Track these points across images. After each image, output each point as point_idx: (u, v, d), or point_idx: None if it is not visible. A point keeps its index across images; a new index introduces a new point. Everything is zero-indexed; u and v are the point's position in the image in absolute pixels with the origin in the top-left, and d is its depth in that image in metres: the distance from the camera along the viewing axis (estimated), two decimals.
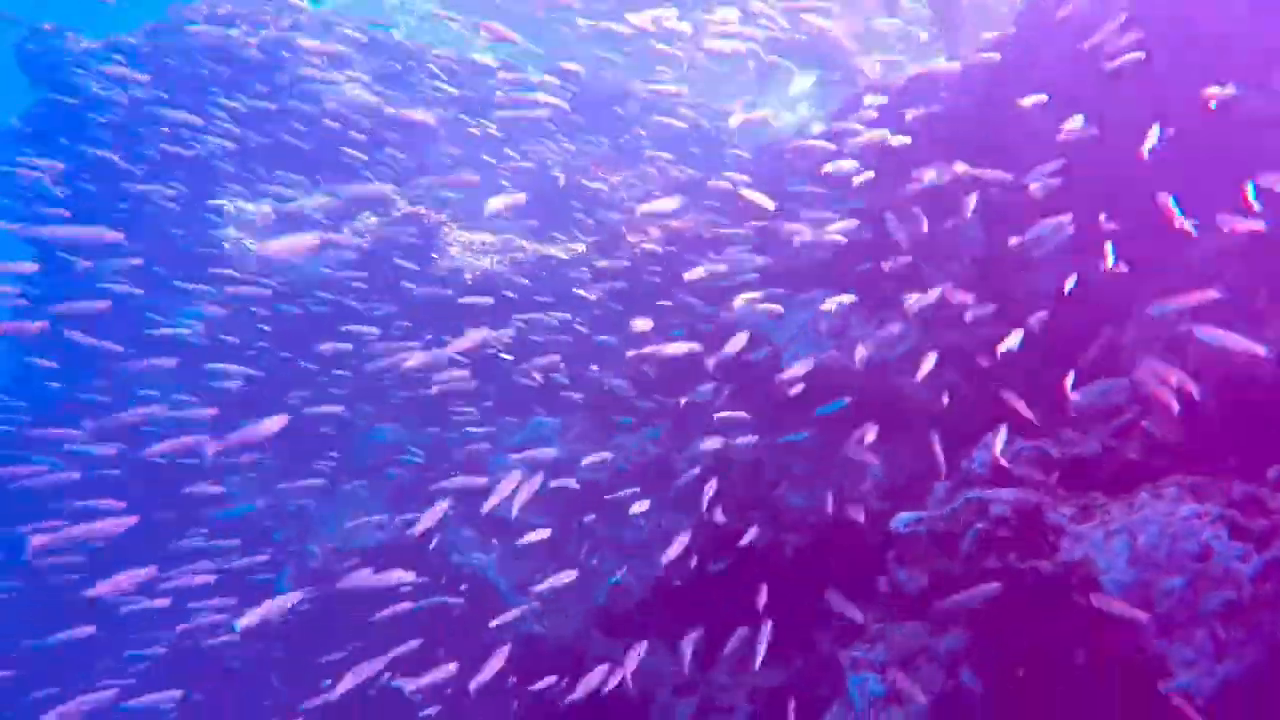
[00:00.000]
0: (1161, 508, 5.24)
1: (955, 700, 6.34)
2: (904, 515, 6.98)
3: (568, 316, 12.64)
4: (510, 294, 13.37)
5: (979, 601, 5.72)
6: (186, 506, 11.90)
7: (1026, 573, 5.63)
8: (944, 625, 6.28)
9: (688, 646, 8.54)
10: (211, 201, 14.22)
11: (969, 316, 7.97)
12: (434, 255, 13.88)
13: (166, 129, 14.26)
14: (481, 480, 10.35)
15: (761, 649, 7.67)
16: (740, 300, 10.03)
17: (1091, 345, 7.61)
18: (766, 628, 7.69)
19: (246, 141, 14.42)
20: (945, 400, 8.56)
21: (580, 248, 14.06)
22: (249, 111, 14.40)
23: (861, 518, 8.00)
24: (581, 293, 12.34)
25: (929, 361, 7.70)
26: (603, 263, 12.76)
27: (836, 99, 13.71)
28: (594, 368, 12.35)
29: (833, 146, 10.01)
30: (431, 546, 11.66)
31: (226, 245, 13.95)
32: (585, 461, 11.30)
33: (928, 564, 6.46)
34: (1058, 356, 7.80)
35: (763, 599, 8.10)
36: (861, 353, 8.53)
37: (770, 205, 9.89)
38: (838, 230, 9.42)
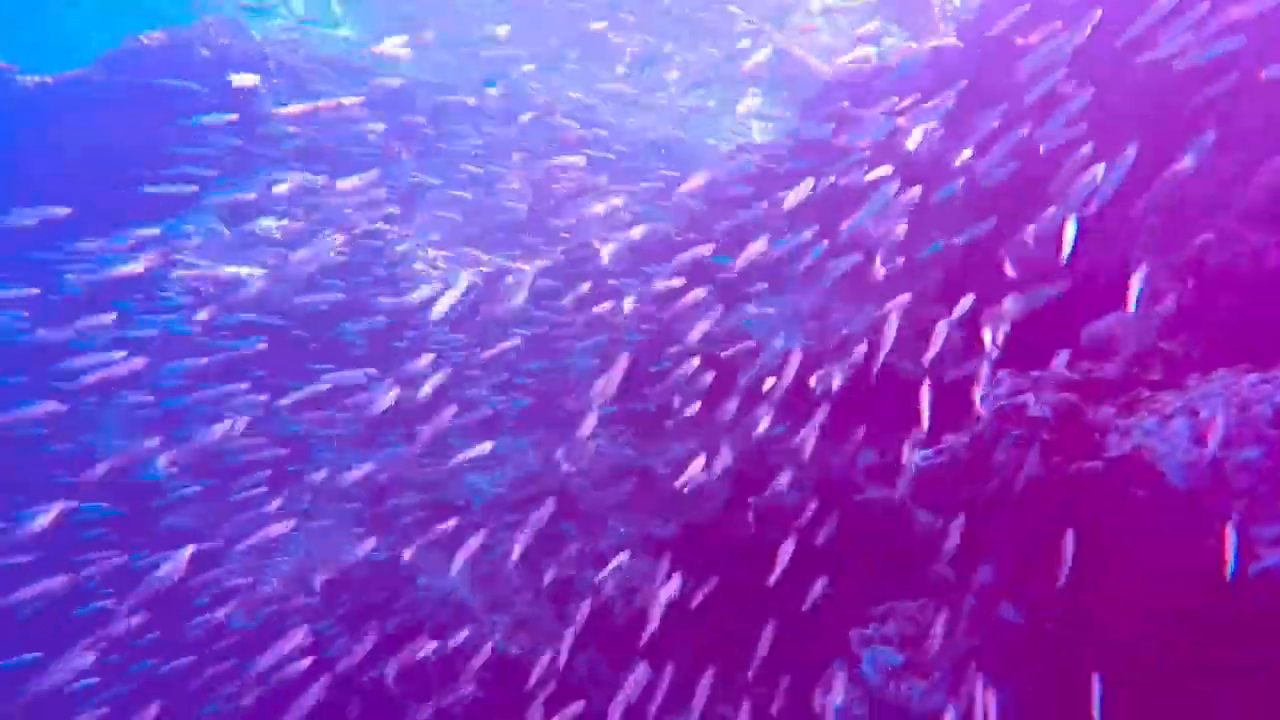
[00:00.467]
0: (1221, 383, 4.71)
1: (991, 645, 5.62)
2: (922, 451, 6.37)
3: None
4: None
5: None
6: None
7: (1075, 476, 5.03)
8: (975, 559, 5.62)
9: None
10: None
11: None
12: (398, 270, 13.32)
13: None
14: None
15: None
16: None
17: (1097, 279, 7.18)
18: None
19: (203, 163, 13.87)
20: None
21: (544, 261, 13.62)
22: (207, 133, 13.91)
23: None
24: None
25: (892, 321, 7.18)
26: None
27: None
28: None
29: None
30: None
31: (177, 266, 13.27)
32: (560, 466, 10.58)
33: (954, 495, 5.81)
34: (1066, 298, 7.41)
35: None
36: None
37: None
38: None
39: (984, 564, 5.59)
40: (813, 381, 8.55)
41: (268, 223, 13.82)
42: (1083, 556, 4.95)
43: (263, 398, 10.48)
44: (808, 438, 8.49)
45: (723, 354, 10.03)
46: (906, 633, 6.86)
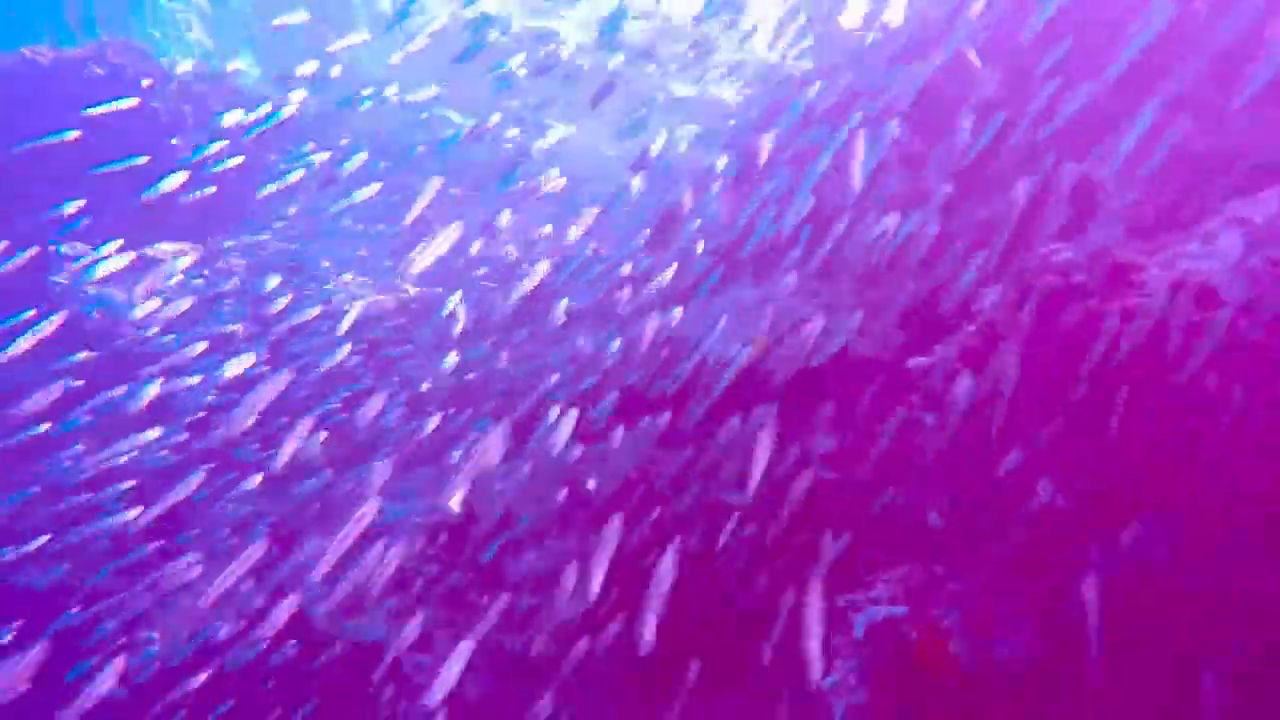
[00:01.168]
0: (1273, 190, 4.26)
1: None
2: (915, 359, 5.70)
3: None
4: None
5: None
6: None
7: (1115, 314, 4.44)
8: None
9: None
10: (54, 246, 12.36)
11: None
12: (311, 295, 12.32)
13: None
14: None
15: None
16: None
17: None
18: None
19: (94, 185, 12.77)
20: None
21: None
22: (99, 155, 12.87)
23: None
24: None
25: None
26: None
27: None
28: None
29: None
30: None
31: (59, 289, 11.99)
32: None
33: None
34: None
35: None
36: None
37: None
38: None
39: (1015, 450, 4.89)
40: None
41: (166, 247, 12.73)
42: (1134, 412, 4.33)
43: None
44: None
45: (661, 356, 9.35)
46: (898, 593, 6.06)
